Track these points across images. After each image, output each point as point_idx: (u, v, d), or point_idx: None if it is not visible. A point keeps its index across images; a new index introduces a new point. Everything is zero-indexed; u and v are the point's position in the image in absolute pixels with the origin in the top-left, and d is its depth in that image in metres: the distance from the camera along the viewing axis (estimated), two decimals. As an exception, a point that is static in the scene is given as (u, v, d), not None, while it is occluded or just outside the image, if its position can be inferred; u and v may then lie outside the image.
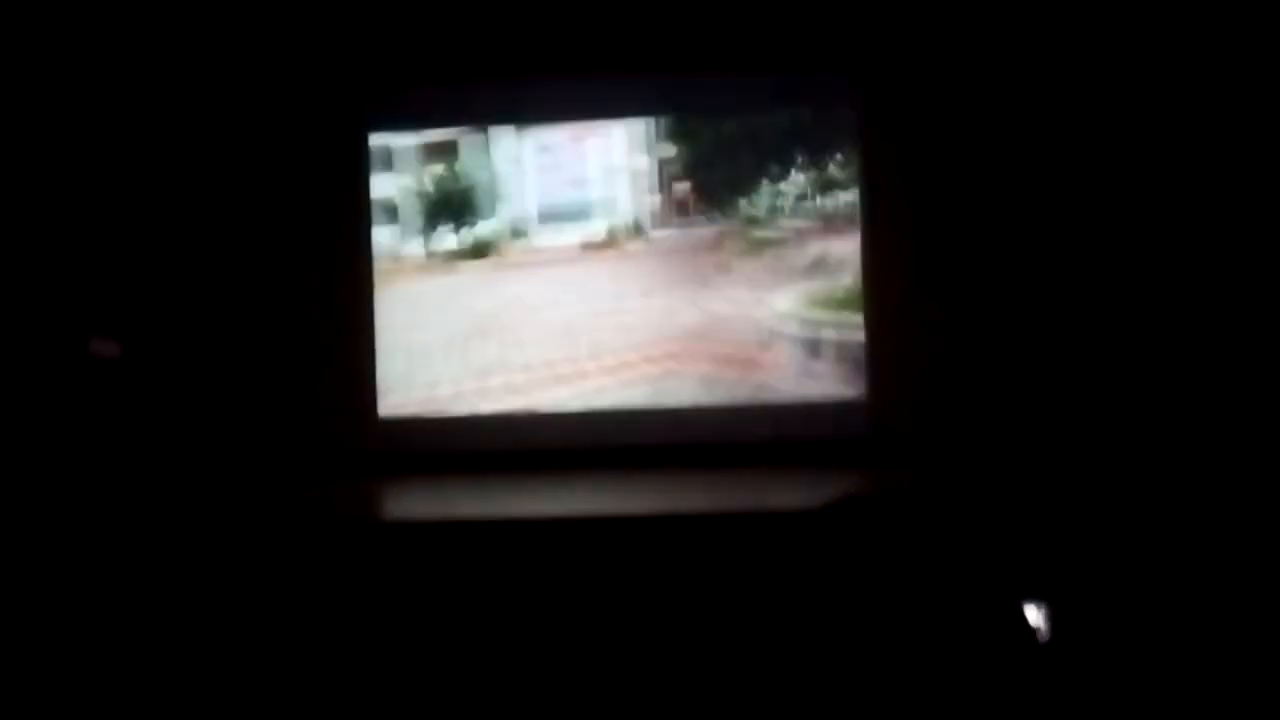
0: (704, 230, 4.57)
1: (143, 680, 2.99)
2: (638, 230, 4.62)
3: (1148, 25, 4.06)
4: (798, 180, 4.52)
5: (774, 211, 4.52)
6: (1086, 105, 4.16)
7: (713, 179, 4.58)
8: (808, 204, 4.50)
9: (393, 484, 4.24)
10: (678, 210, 4.60)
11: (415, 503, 3.99)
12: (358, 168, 4.57)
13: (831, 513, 2.06)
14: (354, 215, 4.55)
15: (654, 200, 4.59)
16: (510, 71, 4.48)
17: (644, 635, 3.01)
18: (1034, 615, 2.31)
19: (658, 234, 4.61)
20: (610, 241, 4.63)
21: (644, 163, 4.61)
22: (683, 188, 4.60)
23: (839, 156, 4.48)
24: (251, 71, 4.45)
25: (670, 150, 4.60)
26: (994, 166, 4.25)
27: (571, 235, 4.65)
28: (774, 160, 4.53)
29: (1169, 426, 3.86)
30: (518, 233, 4.65)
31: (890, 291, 4.34)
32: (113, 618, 3.14)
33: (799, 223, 4.50)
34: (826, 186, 4.49)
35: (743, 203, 4.54)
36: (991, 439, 4.12)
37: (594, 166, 4.65)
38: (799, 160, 4.52)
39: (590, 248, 4.64)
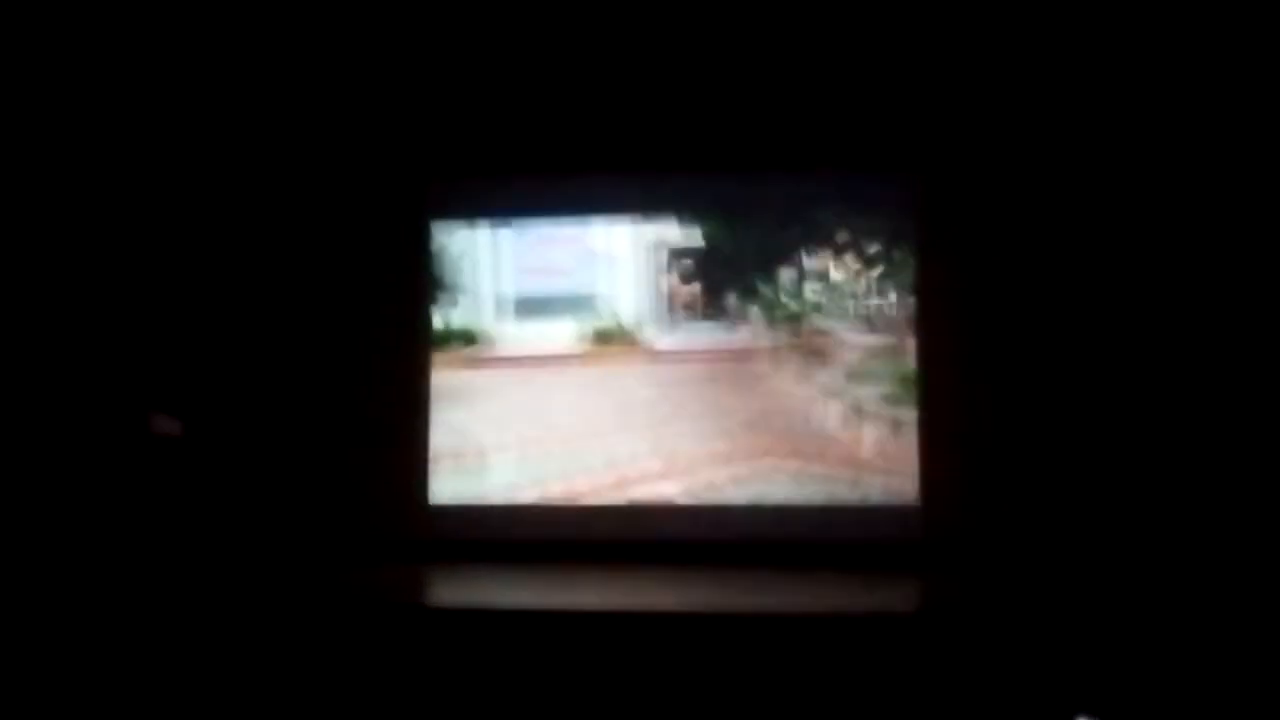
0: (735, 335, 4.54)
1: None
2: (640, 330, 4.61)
3: (1209, 134, 4.07)
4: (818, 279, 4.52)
5: (800, 315, 4.50)
6: (1144, 215, 4.15)
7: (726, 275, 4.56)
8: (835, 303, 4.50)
9: (440, 571, 4.23)
10: (685, 308, 4.59)
11: (460, 590, 3.97)
12: (419, 255, 4.67)
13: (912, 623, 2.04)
14: (414, 302, 4.64)
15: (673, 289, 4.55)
16: (573, 166, 4.59)
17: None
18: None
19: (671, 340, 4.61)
20: (625, 340, 4.61)
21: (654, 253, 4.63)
22: (690, 286, 4.58)
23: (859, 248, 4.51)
24: (319, 158, 4.61)
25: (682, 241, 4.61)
26: (1050, 270, 4.25)
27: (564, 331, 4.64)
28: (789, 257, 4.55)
29: (1225, 541, 3.76)
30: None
31: (945, 396, 4.31)
32: (157, 692, 3.15)
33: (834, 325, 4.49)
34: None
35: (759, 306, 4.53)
36: (1046, 548, 4.04)
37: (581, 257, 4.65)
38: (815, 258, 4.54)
39: (603, 343, 4.65)
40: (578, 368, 4.64)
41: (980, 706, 1.84)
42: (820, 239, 4.53)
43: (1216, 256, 4.05)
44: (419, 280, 4.66)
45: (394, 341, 4.62)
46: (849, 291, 4.50)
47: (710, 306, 4.60)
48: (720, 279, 4.60)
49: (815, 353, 4.49)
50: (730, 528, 4.39)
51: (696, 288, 4.63)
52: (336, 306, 4.60)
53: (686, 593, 3.72)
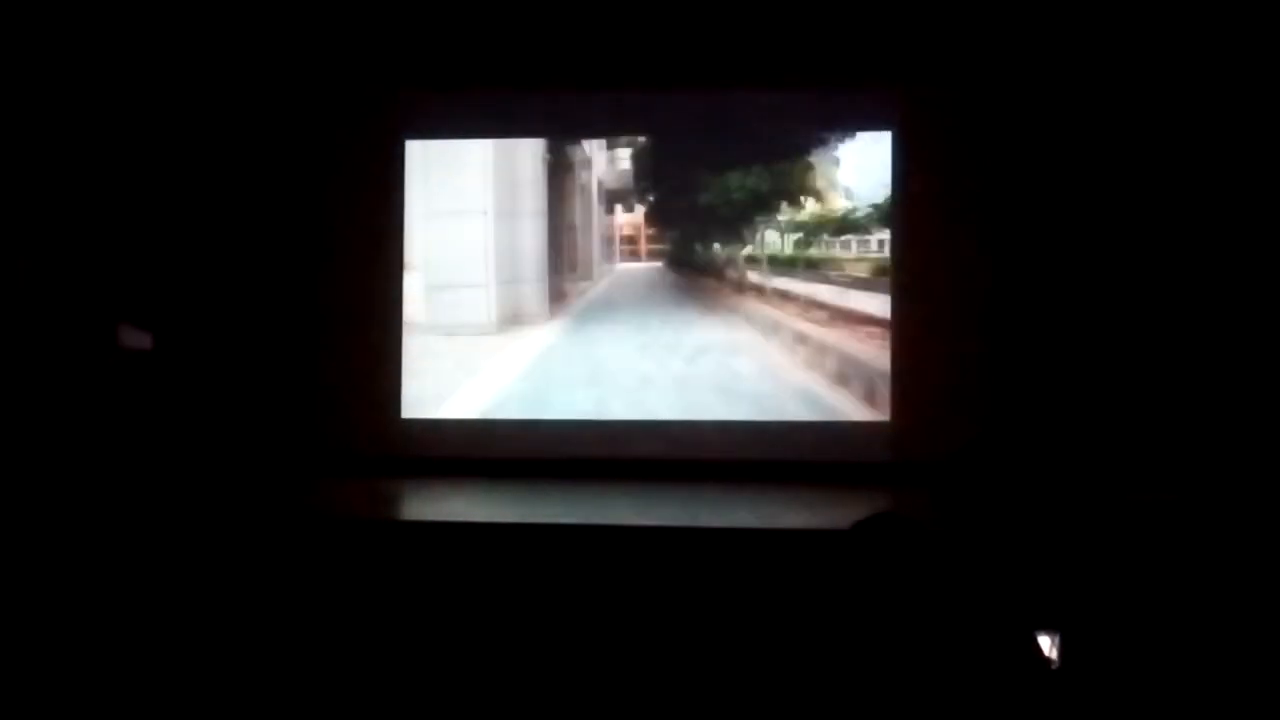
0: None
1: (152, 674, 3.01)
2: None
3: (1197, 44, 4.03)
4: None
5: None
6: (1128, 126, 4.11)
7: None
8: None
9: (410, 485, 4.25)
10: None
11: (431, 505, 3.99)
12: (393, 173, 4.60)
13: (853, 534, 2.06)
14: (386, 220, 4.58)
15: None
16: (547, 83, 4.49)
17: (649, 644, 3.00)
18: (1046, 643, 2.28)
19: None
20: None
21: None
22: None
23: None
24: (292, 74, 4.50)
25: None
26: (1030, 195, 4.20)
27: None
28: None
29: (1191, 458, 3.80)
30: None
31: (918, 316, 4.31)
32: (124, 609, 3.16)
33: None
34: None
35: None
36: (1014, 467, 4.07)
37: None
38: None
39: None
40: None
41: (938, 622, 1.86)
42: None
43: (1203, 171, 4.02)
44: (390, 193, 4.58)
45: (366, 254, 4.55)
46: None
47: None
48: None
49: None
50: (702, 445, 4.40)
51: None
52: (307, 220, 4.53)
53: (656, 508, 3.76)
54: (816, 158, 4.43)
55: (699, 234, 4.22)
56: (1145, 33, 4.06)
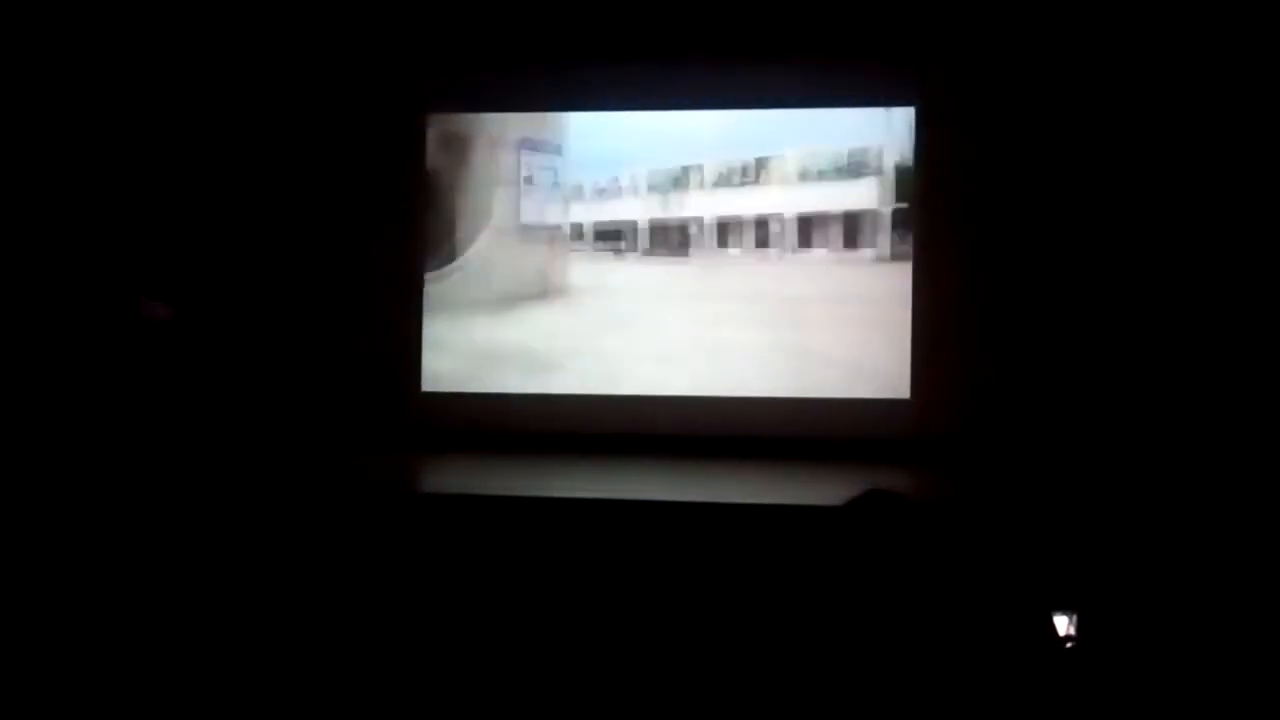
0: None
1: (170, 639, 3.03)
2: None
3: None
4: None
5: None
6: (1155, 117, 4.05)
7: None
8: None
9: (429, 458, 4.26)
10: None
11: (448, 477, 4.00)
12: (414, 146, 4.59)
13: (853, 509, 2.03)
14: (408, 192, 4.58)
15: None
16: (569, 55, 4.47)
17: (664, 619, 2.99)
18: (1062, 622, 2.26)
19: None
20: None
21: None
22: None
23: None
24: (314, 47, 4.49)
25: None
26: (1053, 177, 4.15)
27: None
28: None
29: (1208, 440, 3.76)
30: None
31: (939, 293, 4.27)
32: (144, 576, 3.18)
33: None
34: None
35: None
36: (1034, 446, 4.04)
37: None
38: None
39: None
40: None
41: (957, 599, 1.84)
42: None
43: (1226, 156, 3.96)
44: (411, 169, 4.59)
45: (387, 227, 4.56)
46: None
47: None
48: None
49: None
50: (722, 421, 4.39)
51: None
52: (328, 193, 4.53)
53: (674, 484, 3.75)
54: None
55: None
56: (1170, 19, 3.99)
